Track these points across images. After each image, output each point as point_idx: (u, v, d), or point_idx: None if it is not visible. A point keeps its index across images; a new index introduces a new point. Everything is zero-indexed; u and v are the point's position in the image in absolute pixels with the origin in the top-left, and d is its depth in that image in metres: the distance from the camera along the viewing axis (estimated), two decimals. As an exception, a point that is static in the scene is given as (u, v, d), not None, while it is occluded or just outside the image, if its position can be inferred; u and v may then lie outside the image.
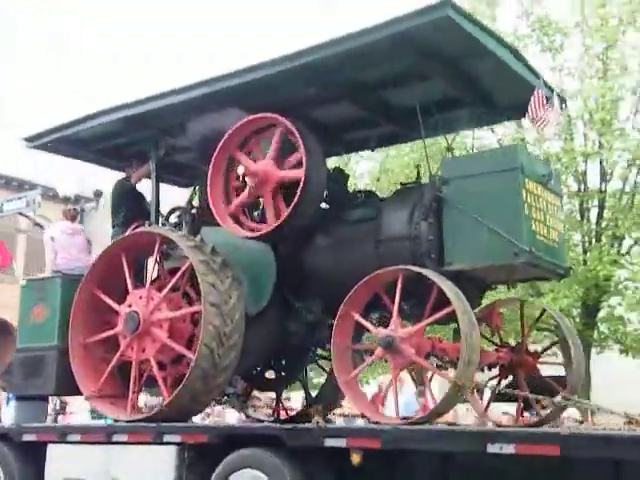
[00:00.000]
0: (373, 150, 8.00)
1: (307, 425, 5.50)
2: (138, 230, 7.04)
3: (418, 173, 6.94)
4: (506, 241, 5.62)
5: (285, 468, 5.27)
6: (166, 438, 6.06)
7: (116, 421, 6.74)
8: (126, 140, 7.94)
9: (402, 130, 7.66)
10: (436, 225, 6.08)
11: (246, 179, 6.62)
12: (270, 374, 8.27)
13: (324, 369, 8.65)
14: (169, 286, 6.65)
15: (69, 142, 8.15)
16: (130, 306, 6.77)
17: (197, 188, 8.04)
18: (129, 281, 6.91)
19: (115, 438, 6.38)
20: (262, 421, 8.30)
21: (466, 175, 5.97)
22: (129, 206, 8.14)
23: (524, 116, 7.07)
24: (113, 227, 8.25)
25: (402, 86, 6.73)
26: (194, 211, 7.90)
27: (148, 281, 6.77)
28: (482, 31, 5.87)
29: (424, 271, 5.64)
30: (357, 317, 5.85)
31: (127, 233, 7.19)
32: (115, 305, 7.01)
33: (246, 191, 6.56)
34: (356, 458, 5.10)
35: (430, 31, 5.69)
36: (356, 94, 6.94)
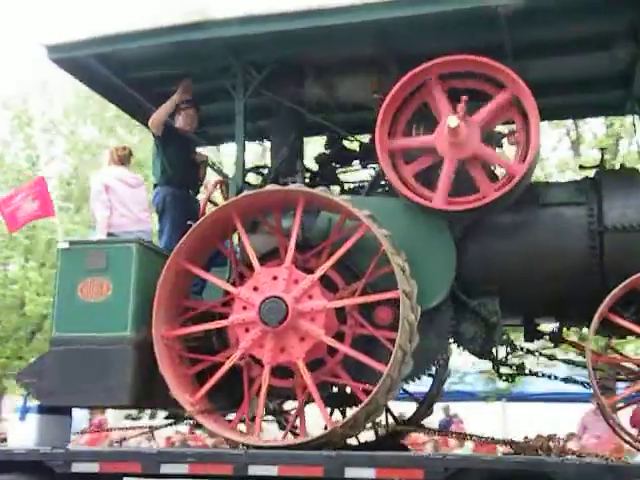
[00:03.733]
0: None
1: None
2: (269, 187, 5.21)
3: (602, 156, 5.86)
4: None
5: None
6: (349, 473, 4.42)
7: (233, 446, 4.88)
8: (200, 70, 6.05)
9: None
10: None
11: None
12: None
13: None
14: (328, 264, 4.96)
15: (108, 62, 6.03)
16: (256, 289, 4.98)
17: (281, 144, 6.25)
18: (251, 255, 5.09)
19: (253, 471, 4.56)
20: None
21: None
22: (178, 160, 6.22)
23: None
24: (154, 187, 6.25)
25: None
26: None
27: (288, 258, 5.00)
28: None
29: None
30: (620, 320, 4.66)
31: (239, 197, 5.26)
32: (231, 288, 5.16)
33: (450, 153, 5.03)
34: None
35: None
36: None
